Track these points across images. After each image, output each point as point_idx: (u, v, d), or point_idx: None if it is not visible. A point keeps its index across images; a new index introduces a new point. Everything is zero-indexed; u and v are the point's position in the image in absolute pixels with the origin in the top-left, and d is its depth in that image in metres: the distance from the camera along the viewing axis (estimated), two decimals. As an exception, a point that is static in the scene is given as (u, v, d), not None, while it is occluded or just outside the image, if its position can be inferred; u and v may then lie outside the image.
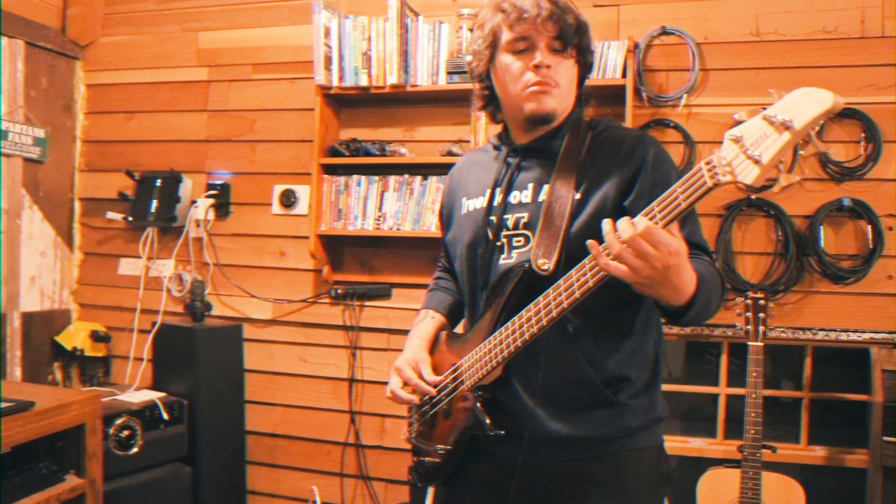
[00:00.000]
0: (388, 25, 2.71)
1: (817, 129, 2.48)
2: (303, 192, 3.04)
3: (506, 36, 1.33)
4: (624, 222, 1.03)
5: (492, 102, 1.44)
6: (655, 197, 1.04)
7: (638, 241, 1.00)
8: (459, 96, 2.74)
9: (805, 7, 2.54)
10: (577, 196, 1.29)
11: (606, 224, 1.05)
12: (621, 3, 2.72)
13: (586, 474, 1.30)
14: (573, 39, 1.32)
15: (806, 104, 0.89)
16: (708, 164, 0.97)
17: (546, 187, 1.33)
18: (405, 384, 1.44)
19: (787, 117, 0.89)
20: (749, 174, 0.93)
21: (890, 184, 2.47)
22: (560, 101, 1.34)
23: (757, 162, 0.92)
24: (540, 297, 1.18)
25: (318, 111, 2.84)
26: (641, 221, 1.01)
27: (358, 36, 2.76)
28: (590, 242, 1.07)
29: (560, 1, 1.32)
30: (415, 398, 1.43)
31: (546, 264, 1.24)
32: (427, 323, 1.55)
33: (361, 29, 2.76)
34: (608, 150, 1.33)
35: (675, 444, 2.62)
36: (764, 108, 0.92)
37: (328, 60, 2.78)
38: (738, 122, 0.96)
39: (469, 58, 1.43)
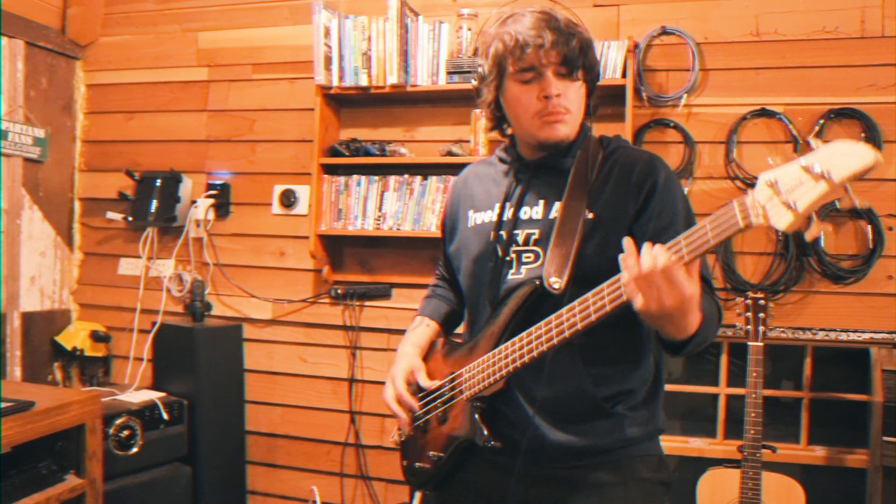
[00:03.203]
0: (388, 25, 2.71)
1: (817, 128, 2.49)
2: (303, 192, 3.04)
3: (511, 67, 1.31)
4: (647, 254, 1.03)
5: (502, 123, 1.44)
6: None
7: (655, 274, 1.01)
8: (459, 96, 2.74)
9: (805, 7, 2.54)
10: (590, 216, 1.29)
11: (628, 244, 1.05)
12: (621, 3, 2.72)
13: (585, 480, 1.30)
14: (578, 62, 1.30)
15: (846, 157, 0.87)
16: (741, 204, 0.96)
17: (557, 205, 1.32)
18: (398, 398, 1.44)
19: (826, 169, 0.88)
20: (782, 220, 0.92)
21: (890, 184, 2.47)
22: (572, 126, 1.35)
23: (791, 209, 0.91)
24: (552, 317, 1.19)
25: (318, 111, 2.84)
26: (663, 255, 1.01)
27: (358, 36, 2.76)
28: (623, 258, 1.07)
29: (562, 24, 1.30)
30: (403, 415, 1.43)
31: (557, 283, 1.24)
32: (422, 330, 1.56)
33: (361, 29, 2.76)
34: (620, 172, 1.33)
35: (675, 444, 2.62)
36: (798, 157, 0.91)
37: (328, 60, 2.78)
38: (773, 167, 0.95)
39: (475, 82, 1.44)
